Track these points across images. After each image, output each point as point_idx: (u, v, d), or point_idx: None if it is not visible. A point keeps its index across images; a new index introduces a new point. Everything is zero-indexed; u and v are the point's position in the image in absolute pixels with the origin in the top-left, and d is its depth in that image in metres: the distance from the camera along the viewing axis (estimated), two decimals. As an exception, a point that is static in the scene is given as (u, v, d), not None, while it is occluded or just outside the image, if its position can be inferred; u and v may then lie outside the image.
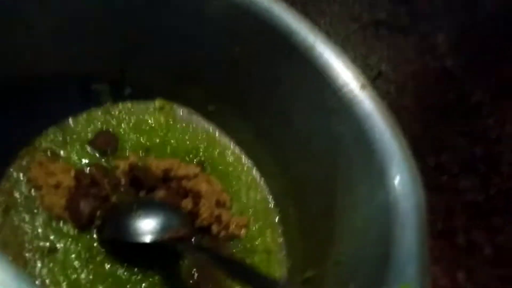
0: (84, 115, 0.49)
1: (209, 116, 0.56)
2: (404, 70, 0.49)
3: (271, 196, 0.53)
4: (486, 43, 0.42)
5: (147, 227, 0.40)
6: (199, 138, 0.54)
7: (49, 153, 0.44)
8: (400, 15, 0.49)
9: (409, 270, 0.32)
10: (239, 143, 0.55)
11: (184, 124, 0.54)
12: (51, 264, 0.38)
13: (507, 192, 0.40)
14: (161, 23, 0.48)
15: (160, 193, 0.45)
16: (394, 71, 0.50)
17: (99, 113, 0.50)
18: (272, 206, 0.52)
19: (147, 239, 0.39)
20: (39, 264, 0.38)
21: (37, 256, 0.38)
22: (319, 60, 0.45)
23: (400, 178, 0.38)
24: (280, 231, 0.50)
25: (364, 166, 0.41)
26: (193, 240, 0.43)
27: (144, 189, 0.45)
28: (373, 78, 0.53)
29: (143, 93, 0.54)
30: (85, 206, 0.41)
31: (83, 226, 0.41)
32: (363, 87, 0.44)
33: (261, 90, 0.50)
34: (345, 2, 0.54)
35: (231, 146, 0.55)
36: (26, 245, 0.39)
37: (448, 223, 0.44)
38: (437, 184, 0.46)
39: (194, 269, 0.43)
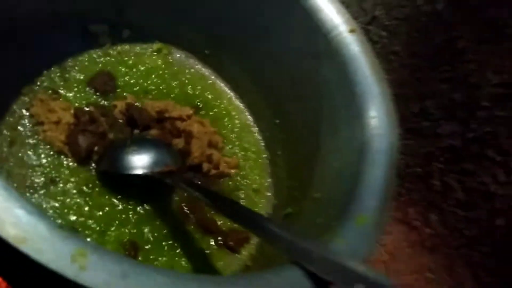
0: (84, 56, 0.51)
1: (205, 59, 0.58)
2: (397, 15, 0.49)
3: (261, 139, 0.55)
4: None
5: (139, 161, 0.43)
6: (195, 81, 0.56)
7: (50, 91, 0.47)
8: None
9: (369, 203, 0.34)
10: (233, 87, 0.57)
11: (181, 67, 0.56)
12: (52, 193, 0.42)
13: (482, 137, 0.42)
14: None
15: (154, 132, 0.47)
16: (388, 16, 0.50)
17: (98, 54, 0.52)
18: (262, 149, 0.54)
19: (139, 171, 0.42)
20: (41, 192, 0.42)
21: (39, 186, 0.42)
22: (309, 3, 0.46)
23: (377, 119, 0.40)
24: (268, 172, 0.53)
25: (346, 109, 0.43)
26: (183, 176, 0.46)
27: (139, 128, 0.48)
28: (367, 23, 0.53)
29: (141, 36, 0.55)
30: (83, 141, 0.44)
31: (81, 160, 0.44)
32: (352, 31, 0.45)
33: (254, 32, 0.51)
34: None
35: (226, 90, 0.57)
36: (29, 175, 0.42)
37: (427, 167, 0.46)
38: (419, 129, 0.47)
39: (184, 203, 0.46)
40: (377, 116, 0.40)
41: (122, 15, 0.53)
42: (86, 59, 0.51)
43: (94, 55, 0.52)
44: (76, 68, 0.50)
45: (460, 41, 0.43)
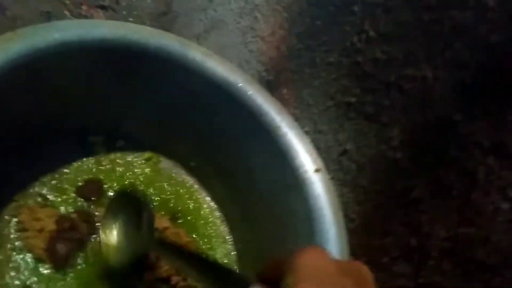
0: (78, 164, 0.56)
1: (191, 170, 0.62)
2: (365, 153, 0.54)
3: (235, 251, 0.58)
4: (430, 144, 0.46)
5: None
6: (178, 189, 0.60)
7: (39, 198, 0.51)
8: (365, 103, 0.54)
9: None
10: (213, 198, 0.61)
11: (167, 176, 0.61)
12: (25, 299, 0.45)
13: (431, 285, 0.44)
14: (154, 94, 0.54)
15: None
16: (358, 151, 0.55)
17: (91, 162, 0.57)
18: (234, 262, 0.58)
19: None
20: (14, 298, 0.45)
21: (14, 291, 0.45)
22: (282, 139, 0.51)
23: (329, 263, 0.43)
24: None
25: (306, 243, 0.46)
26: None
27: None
28: (340, 153, 0.57)
29: (134, 145, 0.61)
30: (61, 248, 0.48)
31: (59, 266, 0.48)
32: (317, 170, 0.49)
33: (234, 156, 0.56)
34: (326, 80, 0.59)
35: (207, 200, 0.61)
36: (7, 278, 0.46)
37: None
38: (378, 264, 0.50)
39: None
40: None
41: (119, 127, 0.59)
42: (80, 167, 0.56)
43: (88, 164, 0.57)
44: (69, 176, 0.55)
45: (416, 191, 0.47)
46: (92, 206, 0.54)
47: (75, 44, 0.43)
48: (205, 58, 0.50)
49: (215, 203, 0.61)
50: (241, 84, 0.51)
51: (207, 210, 0.60)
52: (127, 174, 0.58)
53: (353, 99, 0.56)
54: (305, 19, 0.63)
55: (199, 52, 0.50)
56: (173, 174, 0.61)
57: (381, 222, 0.51)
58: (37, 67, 0.42)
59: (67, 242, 0.49)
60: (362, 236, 0.54)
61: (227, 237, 0.59)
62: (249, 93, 0.51)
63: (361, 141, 0.54)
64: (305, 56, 0.63)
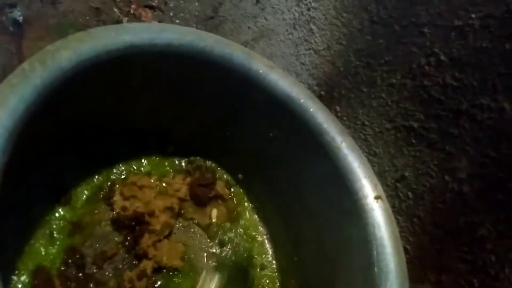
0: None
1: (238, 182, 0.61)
2: (425, 182, 0.51)
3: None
4: (503, 181, 0.44)
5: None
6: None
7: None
8: (429, 130, 0.51)
9: None
10: (259, 215, 0.60)
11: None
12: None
13: (495, 332, 0.42)
14: (213, 102, 0.53)
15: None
16: (416, 179, 0.53)
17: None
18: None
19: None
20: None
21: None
22: (342, 162, 0.49)
23: (390, 300, 0.40)
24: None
25: (363, 274, 0.44)
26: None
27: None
28: (396, 180, 0.55)
29: (182, 152, 0.59)
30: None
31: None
32: (377, 197, 0.47)
33: (287, 174, 0.54)
34: (385, 101, 0.57)
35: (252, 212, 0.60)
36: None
37: None
38: (434, 301, 0.48)
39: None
40: (390, 294, 0.41)
41: (171, 133, 0.57)
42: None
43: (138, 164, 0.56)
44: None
45: (481, 229, 0.44)
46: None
47: (144, 47, 0.42)
48: (268, 70, 0.48)
49: (260, 221, 0.59)
50: (303, 101, 0.49)
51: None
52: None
53: (415, 124, 0.54)
54: (366, 37, 0.60)
55: (263, 64, 0.48)
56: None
57: (438, 257, 0.49)
58: (104, 67, 0.41)
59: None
60: (416, 269, 0.51)
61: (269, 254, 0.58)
62: (311, 110, 0.49)
63: (421, 169, 0.52)
64: (363, 75, 0.60)
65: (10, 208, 0.40)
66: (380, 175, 0.56)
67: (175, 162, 0.59)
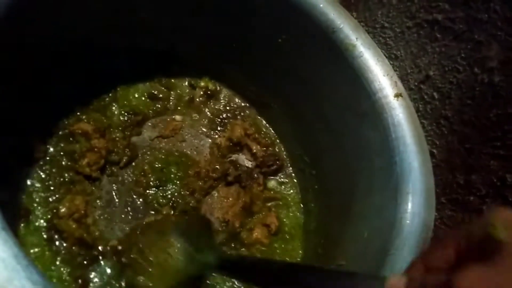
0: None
1: (250, 100, 0.58)
2: (452, 78, 0.46)
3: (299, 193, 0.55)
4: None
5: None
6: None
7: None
8: (455, 20, 0.46)
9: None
10: (273, 128, 0.57)
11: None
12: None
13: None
14: (215, 7, 0.49)
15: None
16: (442, 77, 0.48)
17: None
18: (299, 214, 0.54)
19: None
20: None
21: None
22: (357, 60, 0.44)
23: (412, 196, 0.38)
24: (301, 238, 0.52)
25: (384, 176, 0.41)
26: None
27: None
28: (420, 81, 0.51)
29: (188, 71, 0.56)
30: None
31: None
32: (397, 95, 0.43)
33: (299, 81, 0.50)
34: (405, -4, 0.51)
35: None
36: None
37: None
38: (464, 202, 0.44)
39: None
40: (413, 192, 0.38)
41: (174, 49, 0.54)
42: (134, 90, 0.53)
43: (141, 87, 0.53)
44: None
45: (516, 119, 0.40)
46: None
47: None
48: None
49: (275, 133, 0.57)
50: (312, -2, 0.44)
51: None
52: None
53: (439, 16, 0.48)
54: None
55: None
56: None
57: (467, 156, 0.45)
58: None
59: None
60: (444, 172, 0.48)
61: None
62: (320, 5, 0.44)
63: (447, 65, 0.47)
64: (381, -29, 0.55)
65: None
66: (402, 79, 0.51)
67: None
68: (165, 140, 0.53)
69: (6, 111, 0.40)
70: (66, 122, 0.49)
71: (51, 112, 0.48)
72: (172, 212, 0.49)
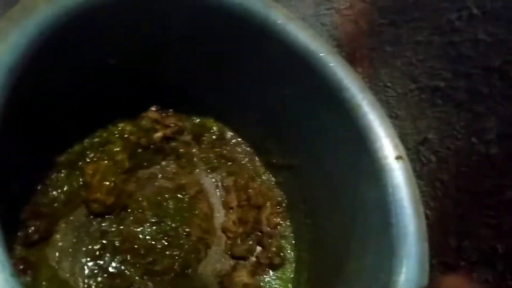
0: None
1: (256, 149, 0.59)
2: (449, 144, 0.48)
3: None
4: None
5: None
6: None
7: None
8: (457, 89, 0.48)
9: None
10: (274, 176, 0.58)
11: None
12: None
13: (518, 299, 0.39)
14: (225, 56, 0.50)
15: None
16: (440, 142, 0.50)
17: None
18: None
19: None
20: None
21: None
22: (362, 120, 0.46)
23: (407, 260, 0.38)
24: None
25: (379, 237, 0.42)
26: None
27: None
28: (419, 142, 0.52)
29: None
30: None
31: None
32: (398, 157, 0.45)
33: (302, 133, 0.52)
34: (410, 61, 0.54)
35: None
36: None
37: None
38: (455, 266, 0.45)
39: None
40: (408, 256, 0.39)
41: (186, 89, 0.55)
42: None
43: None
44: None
45: (509, 191, 0.41)
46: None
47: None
48: (287, 21, 0.46)
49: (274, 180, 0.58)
50: (322, 55, 0.46)
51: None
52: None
53: (441, 84, 0.50)
54: (393, -7, 0.57)
55: (281, 14, 0.46)
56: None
57: (460, 222, 0.46)
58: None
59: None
60: (436, 234, 0.49)
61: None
62: (330, 64, 0.46)
63: (446, 131, 0.49)
64: (388, 33, 0.57)
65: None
66: (402, 138, 0.53)
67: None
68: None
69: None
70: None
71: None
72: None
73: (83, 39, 0.38)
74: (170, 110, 0.56)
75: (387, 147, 0.45)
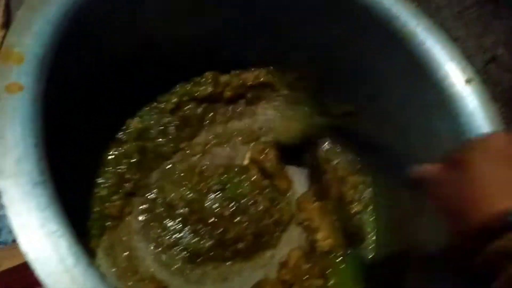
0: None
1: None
2: (524, 57, 0.43)
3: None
4: None
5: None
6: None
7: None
8: (524, -7, 0.42)
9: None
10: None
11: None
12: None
13: None
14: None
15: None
16: (511, 56, 0.44)
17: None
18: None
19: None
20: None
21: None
22: (419, 49, 0.41)
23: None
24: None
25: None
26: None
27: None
28: (486, 63, 0.47)
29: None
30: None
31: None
32: (469, 80, 0.40)
33: (356, 76, 0.48)
34: (462, -28, 0.48)
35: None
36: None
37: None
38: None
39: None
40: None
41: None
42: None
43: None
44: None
45: None
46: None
47: None
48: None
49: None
50: (363, -15, 0.42)
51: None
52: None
53: (504, -9, 0.45)
54: None
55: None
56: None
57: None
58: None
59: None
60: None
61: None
62: (374, -5, 0.42)
63: (518, 43, 0.44)
64: None
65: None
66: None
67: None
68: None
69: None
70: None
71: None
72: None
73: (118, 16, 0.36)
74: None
75: (453, 72, 0.40)
